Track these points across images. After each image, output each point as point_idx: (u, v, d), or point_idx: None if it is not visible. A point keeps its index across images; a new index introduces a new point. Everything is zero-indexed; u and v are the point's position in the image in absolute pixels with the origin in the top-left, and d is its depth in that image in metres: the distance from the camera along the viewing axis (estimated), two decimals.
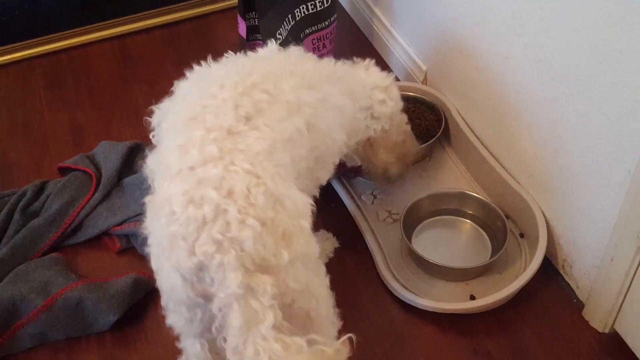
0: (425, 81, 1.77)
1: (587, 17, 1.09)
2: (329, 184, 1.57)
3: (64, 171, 1.66)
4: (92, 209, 1.53)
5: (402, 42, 1.85)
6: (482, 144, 1.55)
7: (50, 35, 2.10)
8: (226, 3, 2.19)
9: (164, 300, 0.99)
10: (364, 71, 1.37)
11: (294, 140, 1.02)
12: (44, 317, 1.30)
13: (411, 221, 1.48)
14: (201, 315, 0.94)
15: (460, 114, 1.62)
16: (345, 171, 1.57)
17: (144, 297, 1.39)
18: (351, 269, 1.45)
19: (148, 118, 1.11)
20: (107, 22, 2.14)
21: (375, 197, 1.58)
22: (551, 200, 1.37)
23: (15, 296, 1.30)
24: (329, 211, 1.56)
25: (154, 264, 0.95)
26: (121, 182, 1.60)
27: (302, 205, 0.94)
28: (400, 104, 1.42)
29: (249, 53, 1.17)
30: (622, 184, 1.11)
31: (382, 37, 1.95)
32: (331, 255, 1.46)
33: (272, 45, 1.19)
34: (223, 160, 0.92)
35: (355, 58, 1.39)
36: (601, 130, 1.14)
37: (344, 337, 0.90)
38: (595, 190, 1.21)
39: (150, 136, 1.10)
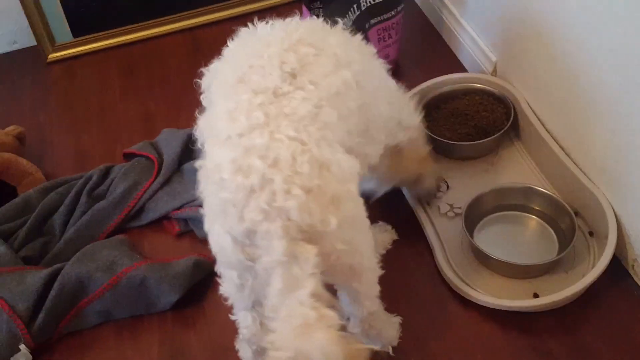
0: (494, 72, 1.73)
1: None
2: None
3: (128, 157, 1.73)
4: (154, 193, 1.59)
5: (471, 32, 1.82)
6: (552, 137, 1.51)
7: (125, 27, 2.18)
8: None
9: (217, 266, 1.03)
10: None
11: (341, 94, 1.02)
12: (109, 295, 1.35)
13: (474, 216, 1.45)
14: (252, 281, 0.98)
15: (530, 106, 1.58)
16: None
17: (204, 279, 1.43)
18: (410, 262, 1.44)
19: (198, 80, 1.13)
20: (179, 14, 2.20)
21: (438, 189, 1.55)
22: (623, 197, 1.31)
23: (82, 274, 1.36)
24: (389, 202, 1.54)
25: (207, 225, 0.98)
26: (181, 167, 1.65)
27: (349, 169, 0.94)
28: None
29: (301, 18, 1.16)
30: None
31: (450, 27, 1.93)
32: (389, 247, 1.45)
33: (315, 19, 1.18)
34: (269, 127, 0.93)
35: None
36: None
37: (374, 347, 0.91)
38: None
39: (201, 98, 1.13)
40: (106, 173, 1.65)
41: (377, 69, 1.17)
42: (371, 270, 1.08)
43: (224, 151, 0.94)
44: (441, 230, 1.46)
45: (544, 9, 1.41)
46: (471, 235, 1.43)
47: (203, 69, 1.13)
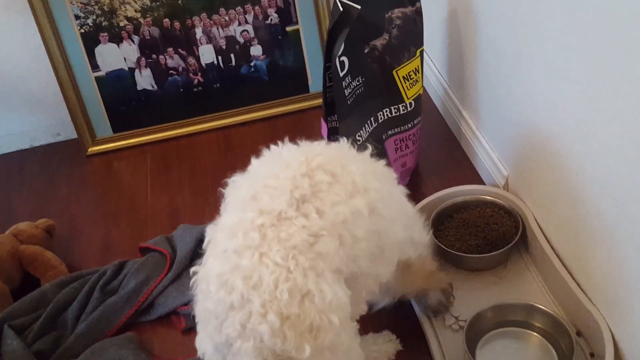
0: (506, 186, 1.79)
1: None
2: None
3: (144, 251, 1.84)
4: (164, 289, 1.67)
5: (486, 146, 1.90)
6: (557, 254, 1.55)
7: (162, 125, 2.35)
8: (320, 100, 2.35)
9: None
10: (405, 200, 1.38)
11: (348, 222, 1.05)
12: None
13: (476, 331, 1.48)
14: None
15: (537, 222, 1.63)
16: None
17: None
18: None
19: (222, 189, 1.19)
20: (213, 114, 2.36)
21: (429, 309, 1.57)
22: (620, 322, 1.34)
23: None
24: (397, 311, 1.56)
25: (197, 327, 1.06)
26: (193, 263, 1.72)
27: (333, 299, 0.98)
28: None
29: (324, 135, 1.23)
30: None
31: (468, 138, 2.01)
32: (393, 357, 1.49)
33: (343, 141, 1.24)
34: (260, 249, 0.99)
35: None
36: None
37: None
38: None
39: (221, 208, 1.18)
40: (120, 268, 1.75)
41: (396, 195, 1.22)
42: None
43: (216, 263, 1.02)
44: (445, 344, 1.49)
45: (550, 133, 1.48)
46: (474, 350, 1.46)
47: (228, 180, 1.19)
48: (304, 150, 1.16)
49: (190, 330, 1.63)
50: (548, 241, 1.58)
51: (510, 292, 1.59)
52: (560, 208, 1.50)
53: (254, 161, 1.17)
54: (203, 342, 1.03)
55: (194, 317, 1.59)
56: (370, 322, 1.44)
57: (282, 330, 0.94)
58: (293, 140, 1.21)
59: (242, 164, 1.16)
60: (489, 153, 1.88)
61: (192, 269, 1.09)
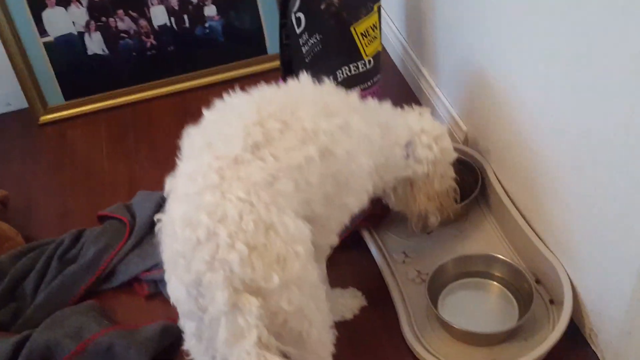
0: (466, 142, 1.81)
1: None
2: (361, 239, 1.65)
3: (102, 219, 1.81)
4: (125, 255, 1.66)
5: (445, 102, 1.92)
6: (515, 206, 1.58)
7: (116, 91, 2.30)
8: (277, 62, 2.33)
9: (179, 319, 1.11)
10: (417, 115, 1.44)
11: (302, 168, 1.10)
12: None
13: (438, 284, 1.51)
14: (207, 333, 1.04)
15: (496, 176, 1.66)
16: (370, 214, 1.60)
17: (173, 344, 1.48)
18: (377, 327, 1.49)
19: (179, 140, 1.21)
20: (170, 78, 2.32)
21: (406, 255, 1.62)
22: (578, 268, 1.37)
23: (50, 341, 1.42)
24: (360, 267, 1.62)
25: (165, 276, 1.07)
26: (154, 229, 1.71)
27: (296, 232, 1.01)
28: (450, 156, 1.48)
29: (280, 84, 1.25)
30: (636, 258, 1.11)
31: (428, 95, 2.02)
32: (357, 312, 1.51)
33: (304, 76, 1.27)
34: (221, 188, 1.02)
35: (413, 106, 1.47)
36: (617, 202, 1.15)
37: None
38: (615, 263, 1.22)
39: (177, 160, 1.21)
40: (78, 237, 1.72)
41: (355, 124, 1.23)
42: (322, 344, 1.12)
43: (179, 206, 1.04)
44: (408, 296, 1.52)
45: (507, 86, 1.50)
46: (436, 302, 1.49)
47: (185, 131, 1.21)
48: (255, 99, 1.19)
49: (154, 296, 1.63)
50: (506, 193, 1.61)
51: (471, 244, 1.62)
52: (517, 160, 1.52)
53: (206, 113, 1.19)
54: (175, 288, 1.04)
55: (156, 282, 1.62)
56: (336, 278, 1.46)
57: (250, 260, 0.96)
58: None
59: None
60: (449, 109, 1.89)
61: (156, 216, 1.10)
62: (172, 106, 2.28)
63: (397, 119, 1.40)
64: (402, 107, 1.47)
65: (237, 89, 1.22)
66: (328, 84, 1.28)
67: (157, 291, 1.63)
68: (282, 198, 1.05)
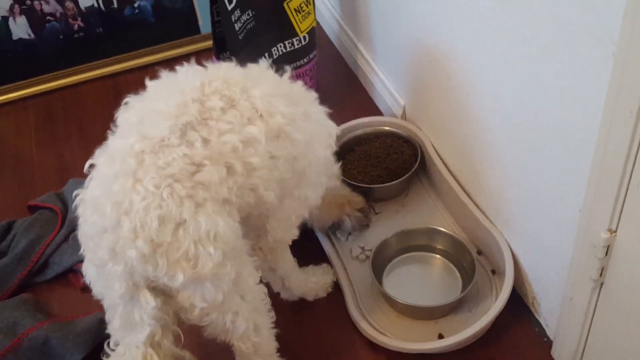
0: (404, 116, 1.80)
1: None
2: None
3: (33, 209, 1.72)
4: (58, 246, 1.59)
5: (382, 77, 1.89)
6: (455, 178, 1.57)
7: (44, 76, 2.18)
8: (208, 43, 2.26)
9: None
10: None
11: (238, 151, 1.02)
12: (11, 357, 1.34)
13: (382, 259, 1.50)
14: (108, 316, 1.04)
15: (435, 149, 1.65)
16: None
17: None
18: (322, 306, 1.47)
19: (112, 125, 1.13)
20: (100, 61, 2.22)
21: (349, 233, 1.60)
22: (517, 238, 1.38)
23: None
24: (304, 246, 1.54)
25: (82, 253, 1.04)
26: None
27: (211, 230, 0.96)
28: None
29: (215, 63, 1.16)
30: (573, 223, 1.12)
31: (364, 70, 2.00)
32: (330, 289, 1.48)
33: (264, 63, 1.19)
34: (135, 176, 0.96)
35: None
36: (551, 168, 1.15)
37: None
38: (552, 229, 1.22)
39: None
40: (8, 229, 1.64)
41: (315, 115, 1.19)
42: (255, 331, 1.10)
43: (94, 188, 1.00)
44: (352, 274, 1.50)
45: (441, 57, 1.48)
46: (381, 278, 1.48)
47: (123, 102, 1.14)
48: (202, 74, 1.10)
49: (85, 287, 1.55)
50: (445, 165, 1.61)
51: (413, 218, 1.61)
52: (454, 131, 1.52)
53: (149, 83, 1.12)
54: (87, 268, 1.02)
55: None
56: None
57: (154, 257, 0.93)
58: None
59: None
60: (386, 84, 1.87)
61: (75, 192, 1.05)
62: (103, 90, 2.19)
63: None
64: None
65: (193, 61, 1.15)
66: (289, 72, 1.21)
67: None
68: (204, 190, 0.98)
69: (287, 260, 1.34)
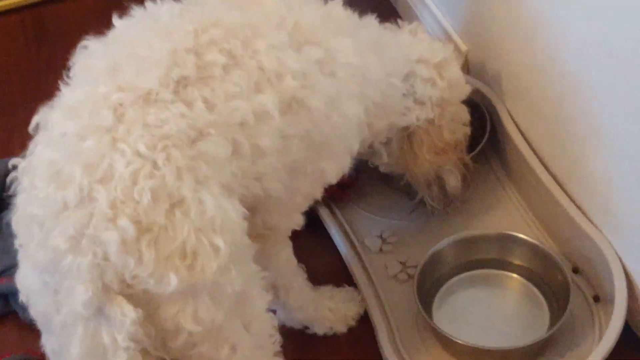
0: (465, 68, 1.80)
1: None
2: (317, 220, 1.64)
3: None
4: None
5: (434, 10, 1.92)
6: (542, 162, 1.58)
7: None
8: None
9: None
10: (408, 35, 1.44)
11: (248, 127, 1.08)
12: None
13: (432, 280, 1.52)
14: (57, 346, 1.02)
15: (512, 118, 1.66)
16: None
17: None
18: (344, 345, 1.50)
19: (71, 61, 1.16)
20: None
21: (384, 240, 1.62)
22: (634, 250, 1.39)
23: None
24: (316, 259, 1.61)
25: (19, 256, 1.05)
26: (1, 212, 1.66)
27: (219, 216, 0.99)
28: (462, 92, 1.51)
29: None
30: None
31: (409, 3, 2.03)
32: (353, 323, 1.52)
33: None
34: (113, 132, 0.99)
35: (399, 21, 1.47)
36: None
37: None
38: None
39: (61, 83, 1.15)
40: None
41: (344, 54, 1.22)
42: None
43: (46, 150, 1.01)
44: (388, 301, 1.52)
45: None
46: (430, 307, 1.50)
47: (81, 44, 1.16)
48: (193, 15, 1.15)
49: (4, 317, 1.59)
50: (528, 142, 1.61)
51: (479, 220, 1.63)
52: (543, 92, 1.52)
53: (118, 22, 1.16)
54: (25, 277, 1.02)
55: (5, 297, 1.57)
56: None
57: (137, 246, 0.94)
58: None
59: (65, 60, 1.11)
60: (439, 20, 1.88)
61: (12, 161, 1.07)
62: (19, 26, 2.22)
63: (388, 39, 1.39)
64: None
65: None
66: None
67: (8, 310, 1.59)
68: (207, 165, 1.02)
69: (285, 259, 1.37)
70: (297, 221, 1.31)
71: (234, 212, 1.03)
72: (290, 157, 1.15)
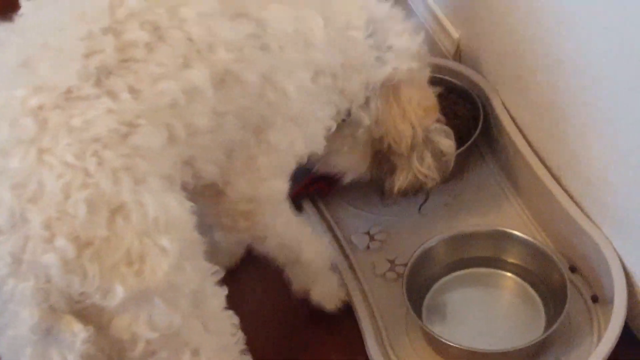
0: (457, 55, 1.79)
1: None
2: (301, 214, 1.60)
3: None
4: None
5: None
6: (537, 154, 1.56)
7: None
8: None
9: None
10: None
11: (179, 107, 1.04)
12: None
13: (423, 279, 1.50)
14: None
15: (506, 109, 1.63)
16: (315, 176, 1.57)
17: None
18: (329, 349, 1.48)
19: None
20: None
21: (372, 238, 1.60)
22: (635, 248, 1.37)
23: None
24: None
25: None
26: None
27: (162, 216, 0.97)
28: (427, 61, 1.46)
29: None
30: None
31: None
32: (340, 305, 1.50)
33: None
34: (39, 144, 0.94)
35: None
36: None
37: None
38: None
39: None
40: None
41: (277, 23, 1.18)
42: None
43: None
44: (376, 301, 1.50)
45: None
46: (420, 307, 1.47)
47: None
48: None
49: None
50: (522, 134, 1.59)
51: (471, 216, 1.61)
52: (539, 80, 1.50)
53: (25, 3, 1.10)
54: None
55: None
56: (257, 277, 1.51)
57: (80, 263, 0.92)
58: None
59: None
60: (430, 6, 1.86)
61: None
62: None
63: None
64: None
65: None
66: None
67: None
68: (144, 159, 0.99)
69: (281, 227, 1.35)
70: (279, 187, 1.29)
71: (179, 208, 1.01)
72: (224, 136, 1.13)
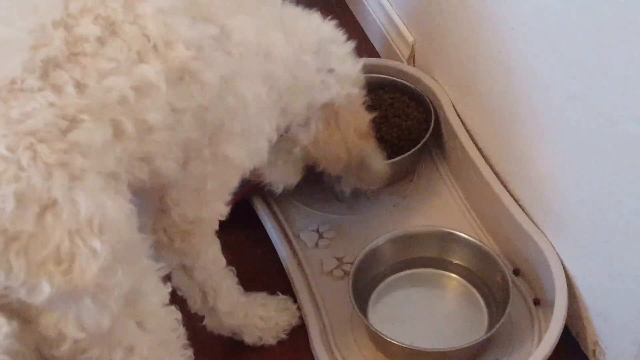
0: (412, 59, 1.79)
1: None
2: (251, 212, 1.62)
3: None
4: None
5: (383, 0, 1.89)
6: (485, 158, 1.57)
7: None
8: None
9: None
10: (319, 18, 1.40)
11: (128, 103, 1.02)
12: None
13: (369, 278, 1.49)
14: None
15: (456, 111, 1.64)
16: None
17: None
18: (274, 345, 1.47)
19: None
20: None
21: (321, 235, 1.59)
22: (576, 252, 1.37)
23: None
24: (249, 254, 1.59)
25: None
26: None
27: (96, 217, 0.95)
28: (361, 84, 1.46)
29: None
30: None
31: None
32: (284, 335, 1.48)
33: None
34: None
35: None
36: (637, 147, 1.13)
37: None
38: (633, 241, 1.20)
39: None
40: None
41: (242, 32, 1.19)
42: None
43: None
44: (323, 299, 1.50)
45: None
46: (366, 306, 1.47)
47: None
48: None
49: None
50: (472, 137, 1.59)
51: (419, 216, 1.61)
52: (489, 85, 1.49)
53: None
54: None
55: None
56: None
57: (6, 257, 0.90)
58: None
59: None
60: (386, 9, 1.86)
61: None
62: None
63: (295, 17, 1.35)
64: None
65: None
66: None
67: None
68: (84, 156, 0.97)
69: (212, 258, 1.33)
70: (220, 211, 1.27)
71: (116, 210, 0.98)
72: (182, 133, 1.11)
